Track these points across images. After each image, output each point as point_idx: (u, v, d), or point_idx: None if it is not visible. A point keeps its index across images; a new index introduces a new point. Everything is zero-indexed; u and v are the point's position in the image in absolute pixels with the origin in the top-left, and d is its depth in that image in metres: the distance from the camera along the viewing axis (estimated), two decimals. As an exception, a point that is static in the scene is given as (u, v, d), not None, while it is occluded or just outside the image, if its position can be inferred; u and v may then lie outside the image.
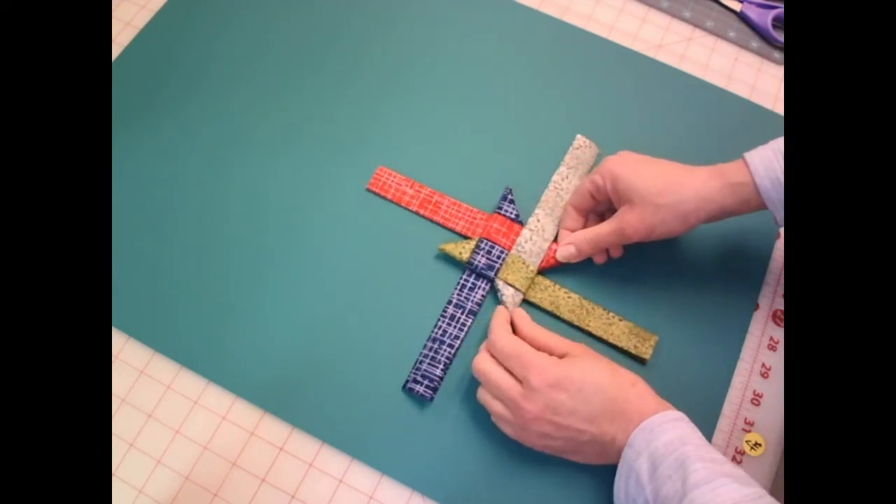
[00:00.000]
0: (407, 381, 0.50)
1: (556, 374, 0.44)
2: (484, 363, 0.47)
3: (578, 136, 0.60)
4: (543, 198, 0.57)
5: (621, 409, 0.43)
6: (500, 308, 0.51)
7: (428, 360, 0.51)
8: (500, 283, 0.53)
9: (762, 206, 0.47)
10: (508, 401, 0.45)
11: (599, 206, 0.55)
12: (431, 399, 0.50)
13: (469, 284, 0.53)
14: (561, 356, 0.46)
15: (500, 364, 0.46)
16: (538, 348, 0.46)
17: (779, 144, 0.46)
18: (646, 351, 0.52)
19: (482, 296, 0.53)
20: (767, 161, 0.46)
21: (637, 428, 0.42)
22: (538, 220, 0.55)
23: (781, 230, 0.57)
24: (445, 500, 0.48)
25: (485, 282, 0.53)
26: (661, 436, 0.42)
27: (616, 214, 0.51)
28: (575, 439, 0.44)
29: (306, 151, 0.60)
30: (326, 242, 0.56)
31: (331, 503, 0.48)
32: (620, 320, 0.53)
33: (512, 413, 0.45)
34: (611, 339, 0.52)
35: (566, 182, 0.57)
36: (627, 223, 0.49)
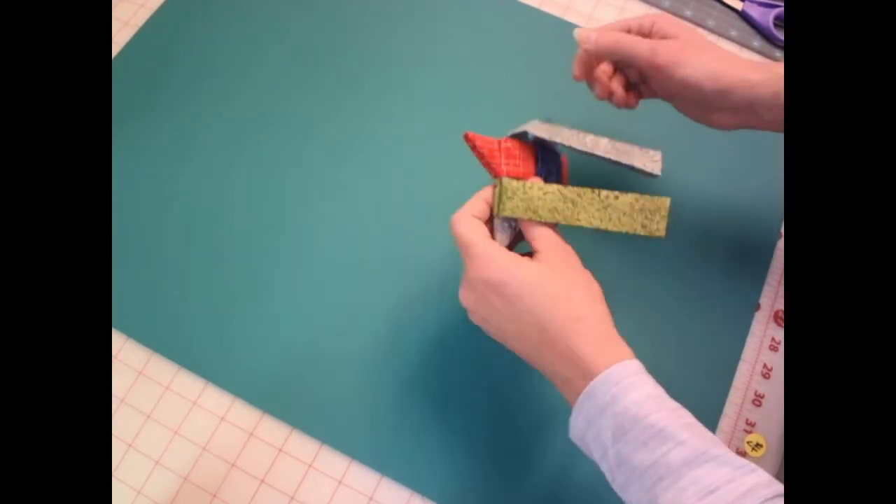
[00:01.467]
0: None
1: (493, 273, 0.40)
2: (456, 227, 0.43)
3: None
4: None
5: (551, 342, 0.39)
6: (483, 189, 0.45)
7: None
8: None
9: (781, 119, 0.45)
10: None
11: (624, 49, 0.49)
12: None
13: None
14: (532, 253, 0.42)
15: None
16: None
17: None
18: (658, 226, 0.43)
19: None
20: None
21: (596, 379, 0.37)
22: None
23: (782, 230, 0.57)
24: (445, 500, 0.48)
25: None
26: (630, 392, 0.37)
27: (653, 40, 0.48)
28: (506, 343, 0.42)
29: (306, 151, 0.60)
30: (327, 243, 0.56)
31: (330, 504, 0.48)
32: (617, 197, 0.43)
33: None
34: (612, 228, 0.43)
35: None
36: (660, 44, 0.47)
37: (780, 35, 0.66)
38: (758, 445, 0.50)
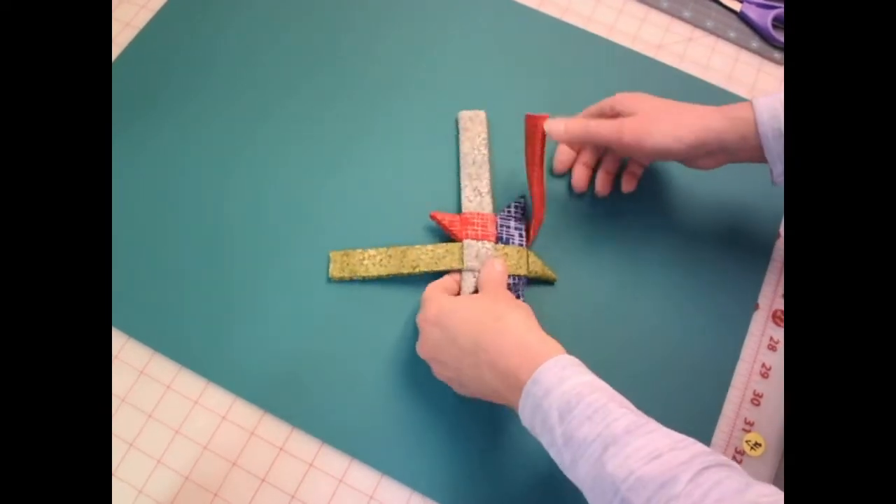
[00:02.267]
0: None
1: (435, 311, 0.46)
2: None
3: (460, 112, 0.61)
4: (463, 172, 0.58)
5: (483, 346, 0.43)
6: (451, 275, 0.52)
7: None
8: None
9: (759, 153, 0.47)
10: None
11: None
12: None
13: None
14: None
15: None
16: None
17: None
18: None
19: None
20: (773, 110, 0.46)
21: (543, 365, 0.40)
22: (470, 200, 0.56)
23: (781, 230, 0.57)
24: (445, 500, 0.48)
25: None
26: (574, 376, 0.39)
27: (618, 119, 0.52)
28: (461, 379, 0.45)
29: (307, 151, 0.60)
30: (327, 242, 0.56)
31: (331, 503, 0.48)
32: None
33: None
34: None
35: (477, 163, 0.58)
36: (627, 126, 0.50)
37: (779, 36, 0.67)
38: (756, 445, 0.50)
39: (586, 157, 0.57)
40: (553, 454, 0.40)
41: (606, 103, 0.54)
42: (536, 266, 0.54)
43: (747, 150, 0.48)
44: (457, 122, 0.61)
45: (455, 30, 0.66)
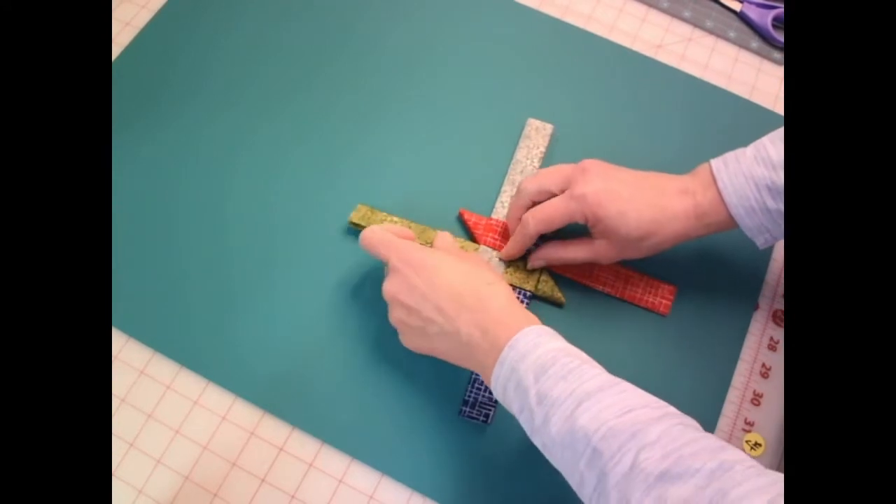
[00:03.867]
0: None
1: (414, 256, 0.46)
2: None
3: (530, 119, 0.61)
4: (508, 178, 0.58)
5: (469, 305, 0.43)
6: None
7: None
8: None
9: (736, 226, 0.48)
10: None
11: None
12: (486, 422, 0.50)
13: None
14: None
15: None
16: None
17: (751, 170, 0.46)
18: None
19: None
20: (738, 189, 0.46)
21: (521, 331, 0.41)
22: (504, 204, 0.57)
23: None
24: (445, 501, 0.48)
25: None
26: (551, 341, 0.40)
27: (592, 240, 0.50)
28: (425, 329, 0.45)
29: (308, 151, 0.60)
30: (328, 242, 0.56)
31: (330, 503, 0.48)
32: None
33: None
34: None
35: (524, 174, 0.58)
36: (602, 254, 0.50)
37: (779, 36, 0.67)
38: (756, 445, 0.50)
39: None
40: (524, 419, 0.40)
41: (575, 216, 0.49)
42: (546, 286, 0.53)
43: (724, 230, 0.49)
44: (522, 127, 0.61)
45: (454, 30, 0.66)
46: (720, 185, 0.47)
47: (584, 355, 0.41)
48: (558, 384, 0.38)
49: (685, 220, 0.48)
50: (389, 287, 0.47)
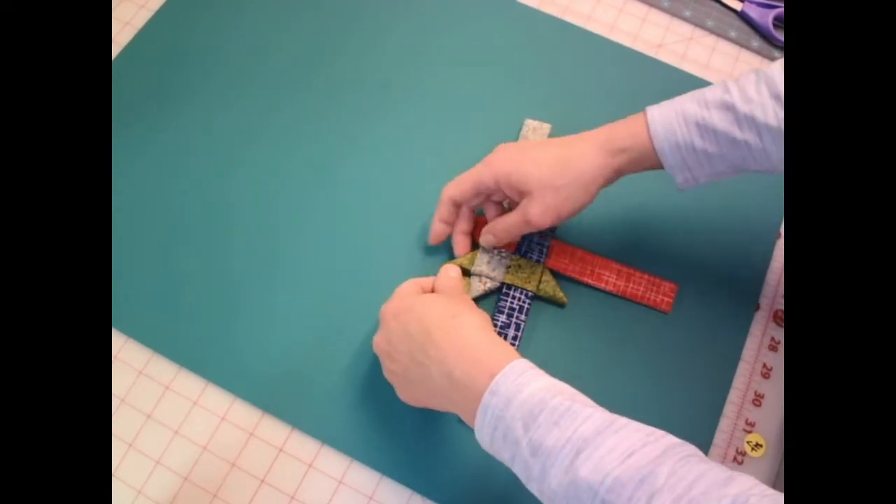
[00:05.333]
0: None
1: (397, 303, 0.45)
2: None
3: (527, 120, 0.60)
4: None
5: (435, 340, 0.41)
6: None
7: None
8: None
9: (660, 165, 0.47)
10: None
11: (475, 202, 0.53)
12: None
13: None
14: None
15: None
16: None
17: (683, 106, 0.45)
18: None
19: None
20: (668, 124, 0.45)
21: (500, 374, 0.38)
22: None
23: (781, 230, 0.57)
24: (445, 501, 0.48)
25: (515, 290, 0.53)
26: (532, 381, 0.38)
27: (520, 206, 0.49)
28: (405, 375, 0.44)
29: (309, 151, 0.60)
30: (328, 243, 0.56)
31: (330, 503, 0.48)
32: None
33: None
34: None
35: None
36: (532, 214, 0.48)
37: (779, 35, 0.67)
38: (757, 445, 0.50)
39: (463, 224, 0.54)
40: (518, 469, 0.38)
41: (485, 180, 0.50)
42: (548, 286, 0.53)
43: (649, 167, 0.48)
44: (520, 127, 0.61)
45: (454, 29, 0.66)
46: (649, 117, 0.46)
47: (570, 390, 0.39)
48: (551, 432, 0.36)
49: (593, 150, 0.47)
50: (375, 341, 0.47)
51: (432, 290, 0.49)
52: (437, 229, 0.53)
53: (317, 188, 0.58)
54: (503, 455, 0.39)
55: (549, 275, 0.54)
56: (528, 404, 0.37)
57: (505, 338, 0.51)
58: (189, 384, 0.51)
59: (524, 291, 0.53)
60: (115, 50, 0.64)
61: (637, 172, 0.49)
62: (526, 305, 0.52)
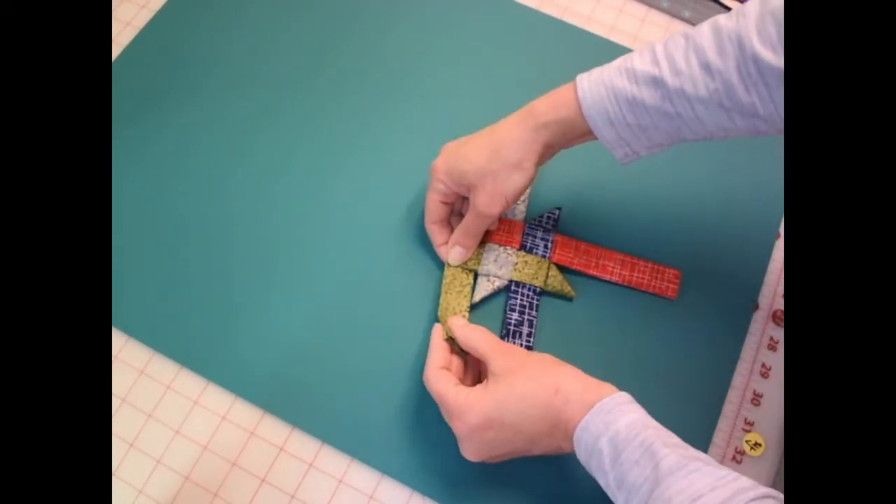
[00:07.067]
0: None
1: (476, 418, 0.43)
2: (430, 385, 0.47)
3: None
4: None
5: (553, 423, 0.42)
6: (435, 328, 0.50)
7: None
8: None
9: (593, 136, 0.47)
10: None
11: (455, 208, 0.54)
12: None
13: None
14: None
15: None
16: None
17: (612, 81, 0.45)
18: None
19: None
20: (599, 103, 0.45)
21: (591, 411, 0.40)
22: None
23: (781, 230, 0.57)
24: (445, 501, 0.48)
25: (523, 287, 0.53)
26: (620, 418, 0.39)
27: (469, 201, 0.50)
28: (524, 455, 0.45)
29: (309, 152, 0.60)
30: (328, 243, 0.56)
31: (331, 503, 0.48)
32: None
33: None
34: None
35: None
36: (480, 204, 0.49)
37: (780, 36, 0.66)
38: (756, 445, 0.50)
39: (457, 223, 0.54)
40: (609, 494, 0.40)
41: (439, 188, 0.51)
42: (556, 281, 0.53)
43: (581, 137, 0.48)
44: None
45: (454, 30, 0.66)
46: (580, 94, 0.45)
47: (653, 427, 0.40)
48: (633, 470, 0.38)
49: (518, 128, 0.47)
50: (468, 455, 0.44)
51: (451, 351, 0.48)
52: (444, 253, 0.54)
53: (317, 188, 0.58)
54: (600, 482, 0.41)
55: (555, 269, 0.54)
56: (614, 441, 0.39)
57: (520, 336, 0.52)
58: (190, 384, 0.51)
59: (532, 287, 0.53)
60: (116, 50, 0.65)
61: (573, 145, 0.49)
62: (535, 301, 0.52)
